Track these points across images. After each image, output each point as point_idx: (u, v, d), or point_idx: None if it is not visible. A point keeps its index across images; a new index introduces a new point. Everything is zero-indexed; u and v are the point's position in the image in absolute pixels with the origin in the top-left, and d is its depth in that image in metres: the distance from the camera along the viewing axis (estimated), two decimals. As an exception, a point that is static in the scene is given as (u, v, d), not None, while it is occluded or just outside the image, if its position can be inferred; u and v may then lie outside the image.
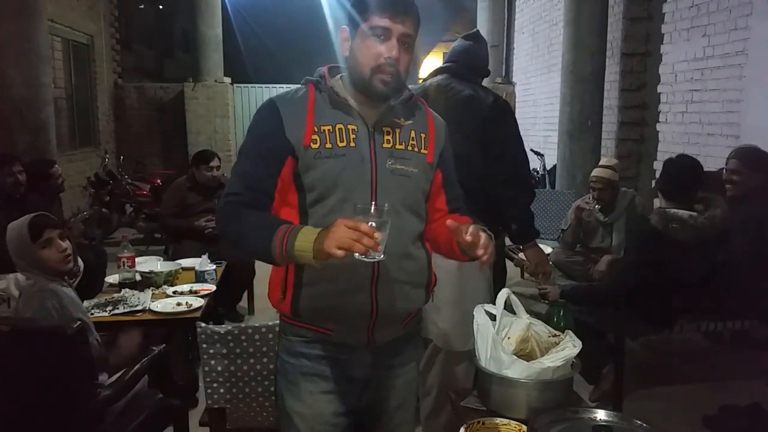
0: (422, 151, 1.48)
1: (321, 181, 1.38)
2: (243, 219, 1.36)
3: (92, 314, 2.78)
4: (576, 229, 4.05)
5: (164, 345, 2.44)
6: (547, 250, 3.77)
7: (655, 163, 5.98)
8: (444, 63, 2.69)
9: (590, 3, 6.12)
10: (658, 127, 5.96)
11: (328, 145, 1.38)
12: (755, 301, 3.00)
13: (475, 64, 2.60)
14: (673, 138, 5.71)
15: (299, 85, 1.49)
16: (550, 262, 3.92)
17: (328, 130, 1.39)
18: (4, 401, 1.92)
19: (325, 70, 1.49)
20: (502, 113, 2.50)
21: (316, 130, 1.39)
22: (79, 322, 1.95)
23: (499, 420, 1.59)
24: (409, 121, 1.48)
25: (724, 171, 3.33)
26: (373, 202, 1.25)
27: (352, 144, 1.40)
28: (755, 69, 4.57)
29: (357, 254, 1.17)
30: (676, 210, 2.82)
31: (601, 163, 4.04)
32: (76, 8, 8.36)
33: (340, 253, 1.14)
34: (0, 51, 5.00)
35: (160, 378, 2.49)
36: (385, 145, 1.42)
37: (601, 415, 1.48)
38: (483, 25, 10.85)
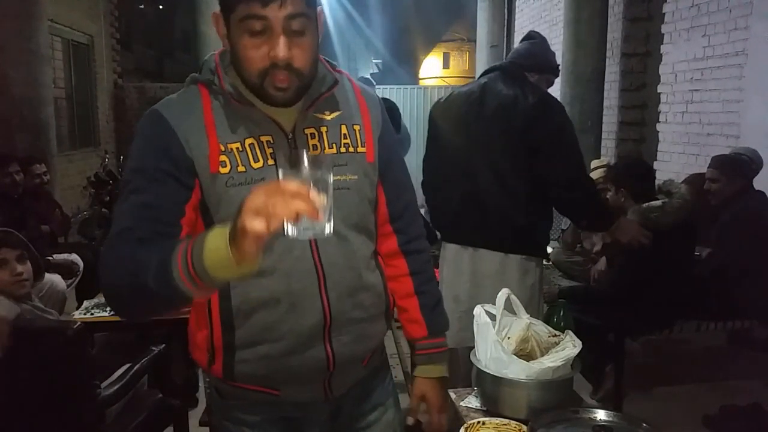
0: (359, 149, 1.17)
1: None
2: (137, 259, 0.95)
3: (92, 314, 2.78)
4: (576, 229, 4.04)
5: (164, 345, 2.44)
6: (547, 250, 3.76)
7: (655, 163, 5.98)
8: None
9: (590, 3, 6.12)
10: (658, 127, 5.96)
11: (241, 168, 1.07)
12: (754, 301, 3.01)
13: (527, 62, 2.56)
14: (673, 138, 5.71)
15: (183, 88, 1.15)
16: (551, 262, 3.95)
17: (237, 147, 1.07)
18: (4, 401, 1.91)
19: (216, 62, 1.13)
20: (545, 113, 2.37)
21: (223, 149, 1.07)
22: (79, 323, 1.95)
23: (499, 420, 1.59)
24: (337, 112, 1.16)
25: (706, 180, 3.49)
26: (304, 150, 0.94)
27: (270, 161, 1.08)
28: (755, 69, 4.57)
29: (290, 229, 0.83)
30: (648, 203, 2.97)
31: (600, 164, 4.03)
32: (76, 8, 8.35)
33: (260, 225, 0.79)
34: (0, 51, 5.01)
35: (160, 378, 2.49)
36: (311, 153, 1.08)
37: (601, 415, 1.48)
38: (483, 25, 10.83)
